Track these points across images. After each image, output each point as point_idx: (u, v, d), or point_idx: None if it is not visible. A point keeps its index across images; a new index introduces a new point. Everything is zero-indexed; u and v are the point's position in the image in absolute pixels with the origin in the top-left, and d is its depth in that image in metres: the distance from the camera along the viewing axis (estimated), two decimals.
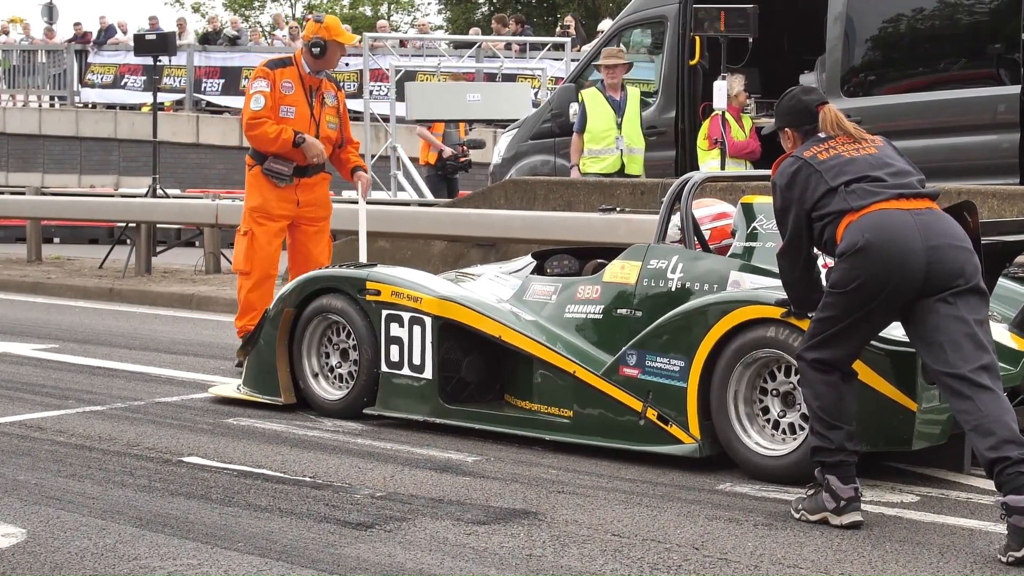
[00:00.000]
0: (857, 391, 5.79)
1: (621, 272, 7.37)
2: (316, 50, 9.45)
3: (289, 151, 9.48)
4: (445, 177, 19.27)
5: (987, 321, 5.60)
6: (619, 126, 13.34)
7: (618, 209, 10.46)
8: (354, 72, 25.73)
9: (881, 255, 5.49)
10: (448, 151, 19.02)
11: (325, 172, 9.81)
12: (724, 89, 12.99)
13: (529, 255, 8.48)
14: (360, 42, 19.43)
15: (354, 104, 21.03)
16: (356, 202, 9.95)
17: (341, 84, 10.19)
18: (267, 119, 9.40)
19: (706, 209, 7.59)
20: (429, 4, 55.32)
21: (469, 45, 24.44)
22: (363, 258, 9.26)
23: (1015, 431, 5.32)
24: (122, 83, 29.45)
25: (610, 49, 13.96)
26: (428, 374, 7.65)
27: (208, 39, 29.80)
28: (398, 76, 20.60)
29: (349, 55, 26.20)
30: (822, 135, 5.85)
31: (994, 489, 6.26)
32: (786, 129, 6.01)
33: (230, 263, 17.02)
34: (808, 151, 5.79)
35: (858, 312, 5.59)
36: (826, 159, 5.73)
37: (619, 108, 13.39)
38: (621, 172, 13.36)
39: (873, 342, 6.07)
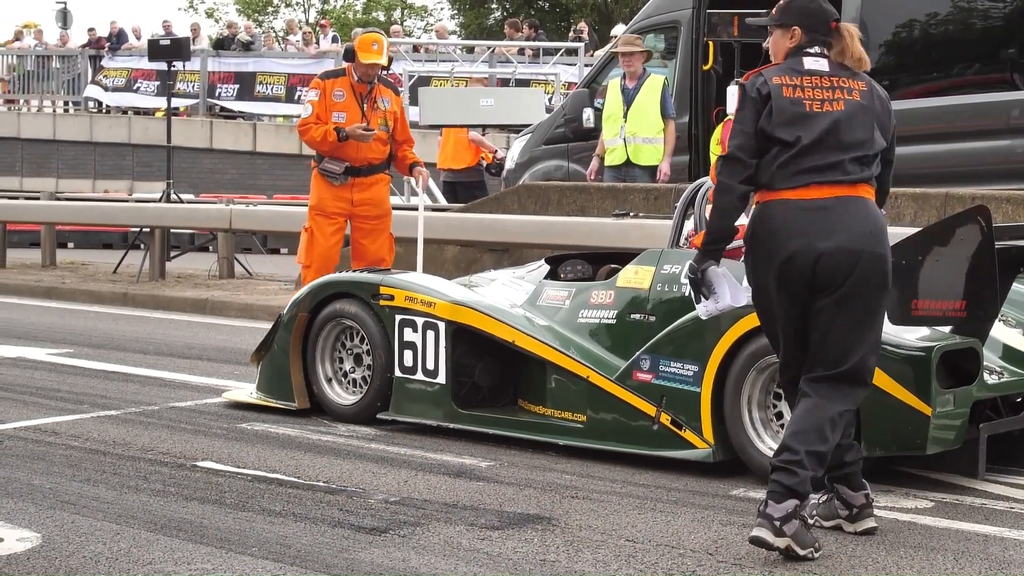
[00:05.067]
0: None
1: (635, 277, 7.37)
2: (346, 55, 10.30)
3: (341, 151, 10.19)
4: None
5: (878, 319, 5.44)
6: (625, 116, 13.17)
7: (631, 214, 10.46)
8: None
9: (769, 252, 5.39)
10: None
11: (385, 174, 10.46)
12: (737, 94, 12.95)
13: (542, 260, 8.48)
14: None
15: None
16: (413, 208, 10.40)
17: (400, 89, 10.66)
18: (312, 124, 10.17)
19: None
20: (442, 9, 55.41)
21: (483, 50, 24.46)
22: (419, 267, 9.39)
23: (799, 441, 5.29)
24: (134, 87, 29.50)
25: (627, 36, 13.88)
26: (442, 379, 7.66)
27: (222, 44, 29.85)
28: (411, 81, 20.62)
29: None
30: (809, 63, 5.53)
31: (1008, 495, 6.27)
32: (795, 28, 5.58)
33: (244, 268, 17.12)
34: (778, 77, 5.50)
35: (773, 311, 5.49)
36: (788, 98, 5.44)
37: (628, 97, 13.25)
38: (629, 164, 13.20)
39: (886, 346, 6.08)
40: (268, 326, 8.83)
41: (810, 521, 5.73)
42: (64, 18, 34.96)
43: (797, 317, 5.46)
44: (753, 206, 5.55)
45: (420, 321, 7.74)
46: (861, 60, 5.60)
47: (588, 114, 13.91)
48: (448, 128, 18.92)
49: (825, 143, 5.42)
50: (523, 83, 21.95)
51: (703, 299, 5.80)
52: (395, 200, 18.67)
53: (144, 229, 17.63)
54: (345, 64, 10.36)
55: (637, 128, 13.15)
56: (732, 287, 5.83)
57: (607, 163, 13.31)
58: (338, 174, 10.22)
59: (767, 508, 5.25)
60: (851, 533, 5.63)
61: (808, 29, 5.60)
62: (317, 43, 29.79)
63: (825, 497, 5.75)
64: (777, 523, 5.21)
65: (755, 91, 5.51)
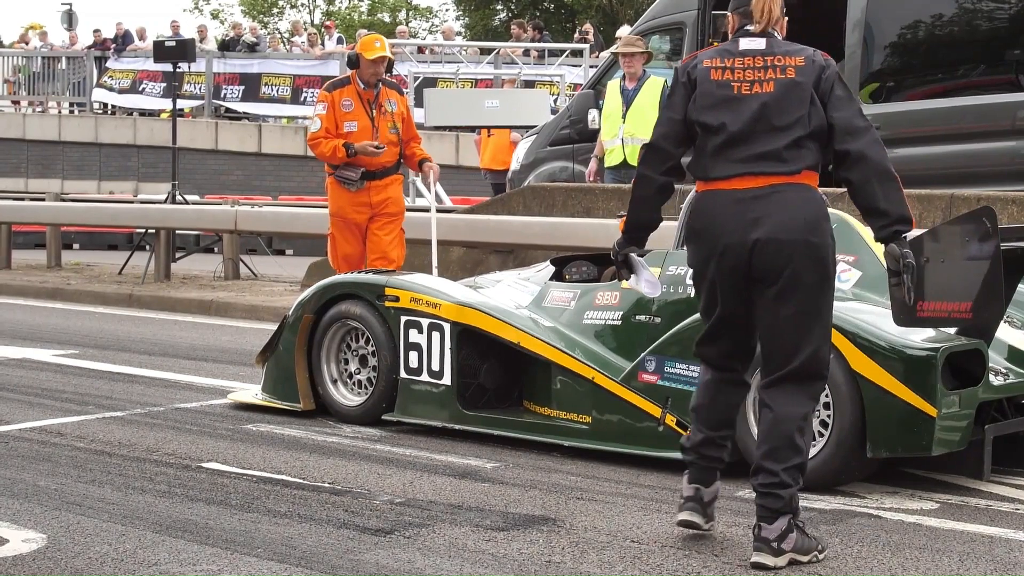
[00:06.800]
0: (742, 401, 5.67)
1: None
2: (350, 63, 10.40)
3: (355, 159, 10.26)
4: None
5: (824, 309, 5.27)
6: (624, 116, 13.05)
7: None
8: None
9: (705, 245, 5.30)
10: None
11: (398, 174, 10.60)
12: None
13: (548, 261, 8.48)
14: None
15: None
16: (420, 210, 10.45)
17: (404, 90, 10.76)
18: (322, 139, 10.24)
19: None
20: (447, 11, 55.45)
21: (488, 51, 24.47)
22: (435, 268, 9.42)
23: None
24: (139, 88, 29.52)
25: (628, 37, 13.86)
26: (447, 380, 7.66)
27: (228, 45, 29.87)
28: (416, 82, 20.62)
29: None
30: (745, 43, 5.31)
31: (1013, 497, 6.28)
32: (728, 16, 5.45)
33: (249, 269, 17.12)
34: (709, 60, 5.34)
35: (710, 301, 5.38)
36: (716, 80, 5.29)
37: (627, 98, 13.21)
38: (627, 165, 13.15)
39: (891, 347, 6.07)
40: (273, 327, 8.84)
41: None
42: (70, 19, 35.00)
43: (739, 312, 5.35)
44: (696, 191, 5.42)
45: (425, 322, 7.74)
46: (778, 45, 5.34)
47: (593, 115, 13.89)
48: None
49: (756, 130, 5.24)
50: (528, 84, 21.95)
51: (624, 278, 5.81)
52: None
53: (149, 230, 17.64)
54: (349, 72, 10.42)
55: (635, 129, 13.10)
56: (648, 278, 5.80)
57: (606, 164, 13.31)
58: (354, 180, 10.30)
59: (761, 532, 5.20)
60: (679, 523, 5.54)
61: (735, 9, 5.46)
62: (322, 44, 29.81)
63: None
64: (774, 544, 5.18)
65: (685, 75, 5.40)
